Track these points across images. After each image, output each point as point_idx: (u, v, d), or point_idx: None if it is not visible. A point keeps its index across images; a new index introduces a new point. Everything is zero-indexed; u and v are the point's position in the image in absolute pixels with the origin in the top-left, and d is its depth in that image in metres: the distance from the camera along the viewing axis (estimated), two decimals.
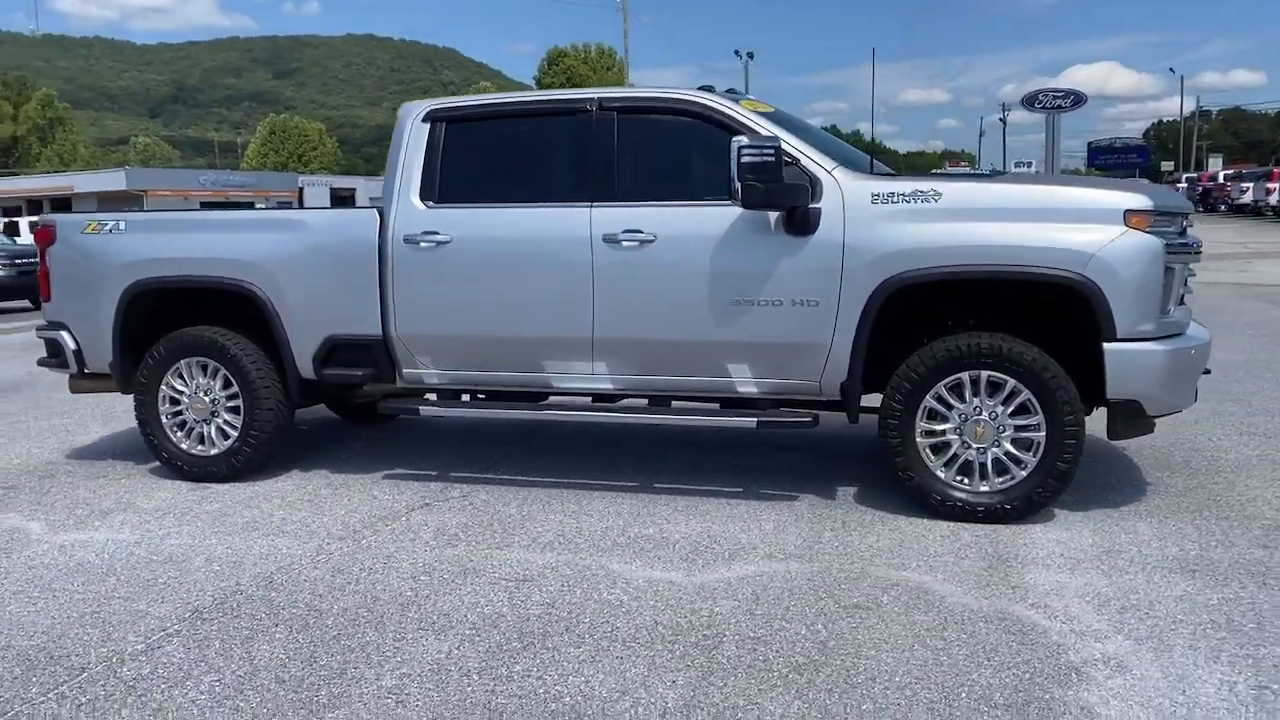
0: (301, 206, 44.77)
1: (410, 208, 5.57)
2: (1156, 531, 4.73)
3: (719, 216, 5.07)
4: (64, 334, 6.20)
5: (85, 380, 6.34)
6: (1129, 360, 4.70)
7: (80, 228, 6.12)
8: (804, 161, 5.07)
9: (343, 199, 64.83)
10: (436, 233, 5.49)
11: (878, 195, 4.94)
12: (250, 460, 5.90)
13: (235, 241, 5.84)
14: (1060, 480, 4.80)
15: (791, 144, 5.11)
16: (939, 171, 5.87)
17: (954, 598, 4.01)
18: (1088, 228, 4.70)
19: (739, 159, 4.73)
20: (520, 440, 6.87)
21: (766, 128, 5.15)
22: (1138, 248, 4.66)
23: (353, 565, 4.52)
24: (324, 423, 7.63)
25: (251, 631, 3.83)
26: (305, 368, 5.81)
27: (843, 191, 4.99)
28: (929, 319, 5.19)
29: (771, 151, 4.76)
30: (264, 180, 75.61)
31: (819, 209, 4.98)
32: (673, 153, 5.40)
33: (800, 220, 4.97)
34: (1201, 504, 5.13)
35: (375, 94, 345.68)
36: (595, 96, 5.45)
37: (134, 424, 6.18)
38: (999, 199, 4.90)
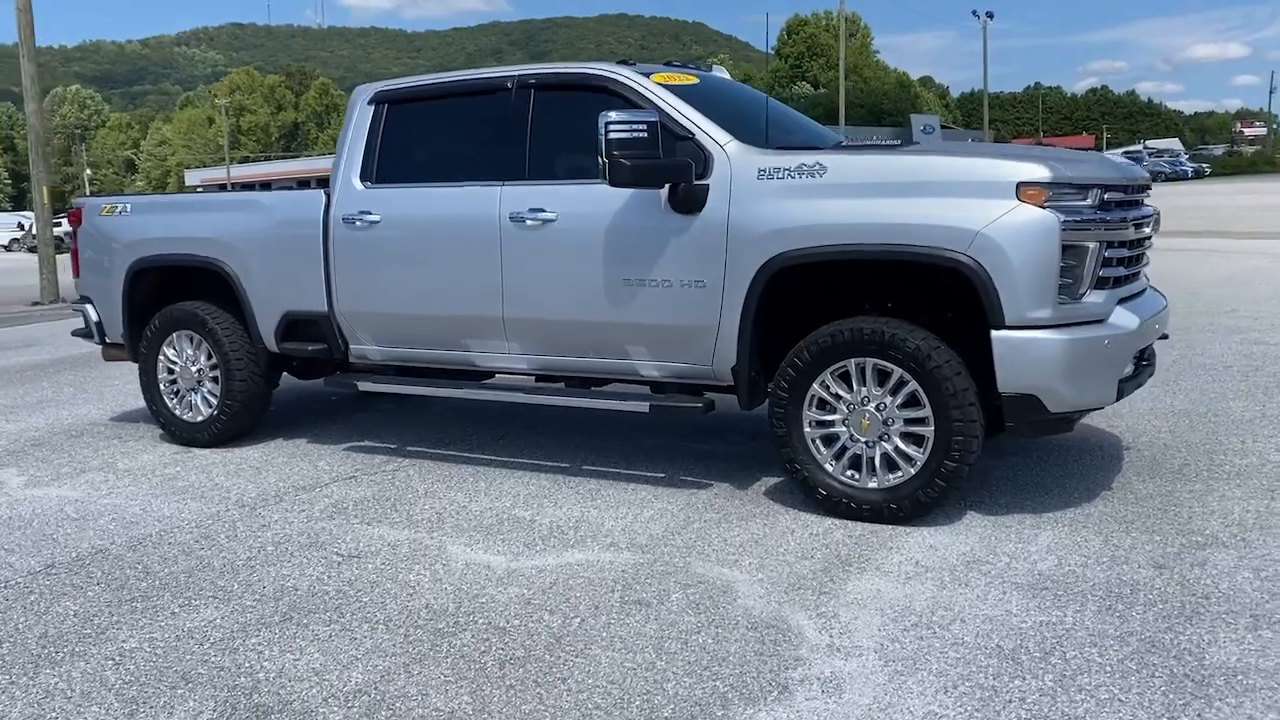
0: None
1: (350, 188, 5.74)
2: (1054, 542, 4.24)
3: (614, 195, 4.92)
4: (89, 307, 6.79)
5: (112, 349, 6.91)
6: (1020, 350, 4.22)
7: (99, 210, 6.67)
8: (699, 136, 4.85)
9: None
10: (370, 212, 5.63)
11: (764, 170, 4.66)
12: (227, 428, 6.28)
13: (210, 221, 6.21)
14: (948, 481, 4.38)
15: (688, 118, 4.89)
16: (852, 144, 5.46)
17: (746, 600, 3.77)
18: (975, 203, 4.25)
19: (605, 134, 4.56)
20: (510, 420, 6.92)
21: (666, 101, 4.96)
22: (1028, 224, 4.17)
23: (222, 532, 4.74)
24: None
25: (73, 588, 4.11)
26: (270, 341, 6.11)
27: (731, 167, 4.73)
28: (846, 301, 4.83)
29: (643, 127, 4.57)
30: None
31: (706, 185, 4.75)
32: (581, 130, 5.23)
33: (684, 197, 4.76)
34: (1143, 515, 4.54)
35: None
36: (515, 74, 5.42)
37: None
38: (885, 172, 4.50)
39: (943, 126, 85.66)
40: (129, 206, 6.58)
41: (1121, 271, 4.46)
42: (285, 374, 6.60)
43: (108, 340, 6.82)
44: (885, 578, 3.94)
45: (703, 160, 4.79)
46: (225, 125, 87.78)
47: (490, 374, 5.87)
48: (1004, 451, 5.59)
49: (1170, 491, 4.85)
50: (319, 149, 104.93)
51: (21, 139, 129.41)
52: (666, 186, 4.77)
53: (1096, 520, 4.49)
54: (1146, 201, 4.94)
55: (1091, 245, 4.28)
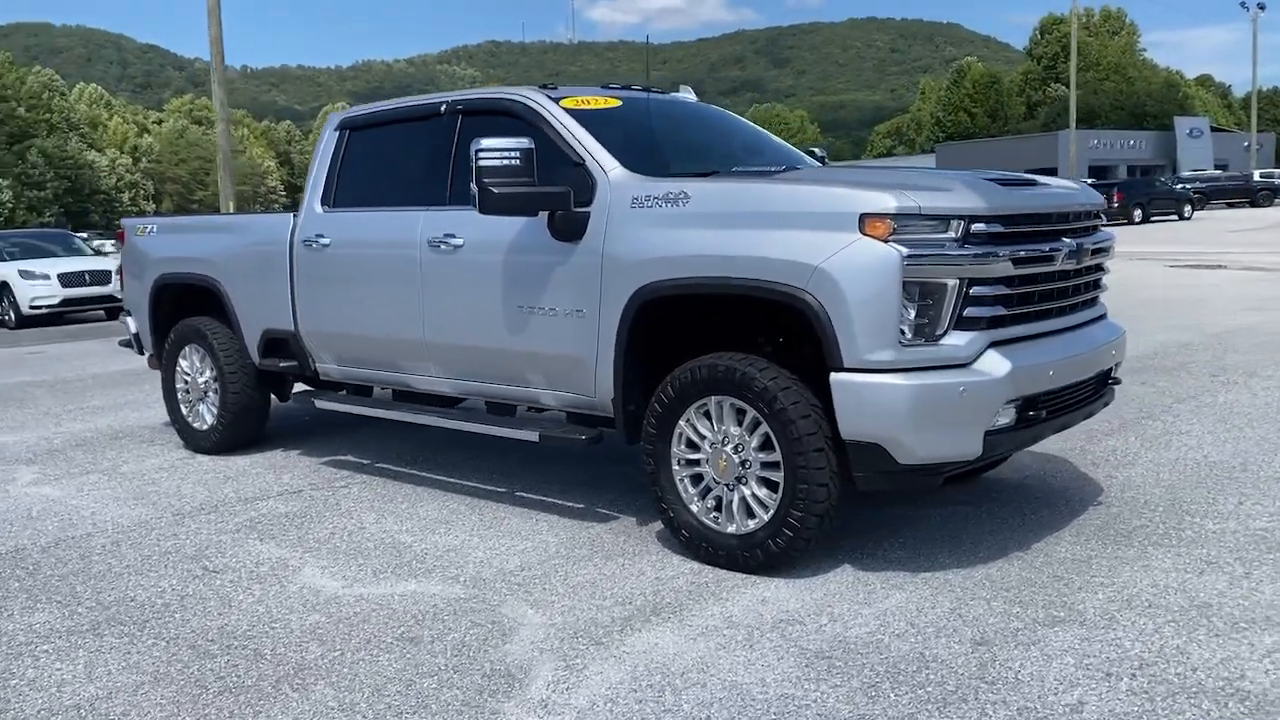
0: None
1: (312, 212, 5.97)
2: (895, 607, 3.88)
3: (511, 222, 4.88)
4: (129, 319, 7.36)
5: (154, 359, 7.45)
6: (859, 395, 3.89)
7: (136, 230, 7.23)
8: (588, 162, 4.75)
9: None
10: (323, 235, 5.84)
11: (637, 199, 4.51)
12: (225, 437, 6.65)
13: (209, 242, 6.61)
14: (795, 531, 4.08)
15: (581, 143, 4.80)
16: (738, 170, 5.15)
17: (516, 645, 3.66)
18: (819, 236, 3.95)
19: (476, 161, 4.54)
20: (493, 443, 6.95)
21: (564, 125, 4.89)
22: (867, 260, 3.83)
23: (131, 539, 5.04)
24: None
25: None
26: (255, 357, 6.43)
27: (611, 194, 4.61)
28: (740, 335, 4.59)
29: (516, 154, 4.52)
30: None
31: (587, 213, 4.64)
32: None
33: (562, 225, 4.68)
34: (1031, 582, 4.08)
35: (873, 77, 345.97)
36: (447, 100, 5.48)
37: None
38: (742, 202, 4.26)
39: (1214, 129, 79.26)
40: (155, 227, 7.09)
41: (1000, 311, 4.01)
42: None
43: (146, 351, 7.36)
44: (678, 632, 3.72)
45: (590, 187, 4.68)
46: None
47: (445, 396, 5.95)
48: (952, 499, 5.16)
49: (1090, 557, 4.33)
50: None
51: (299, 154, 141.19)
52: (546, 214, 4.69)
53: (973, 585, 4.07)
54: (1085, 230, 4.46)
55: (950, 283, 3.88)
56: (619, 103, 5.27)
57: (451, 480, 5.93)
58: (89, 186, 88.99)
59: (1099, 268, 4.73)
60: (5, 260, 17.68)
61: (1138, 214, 41.79)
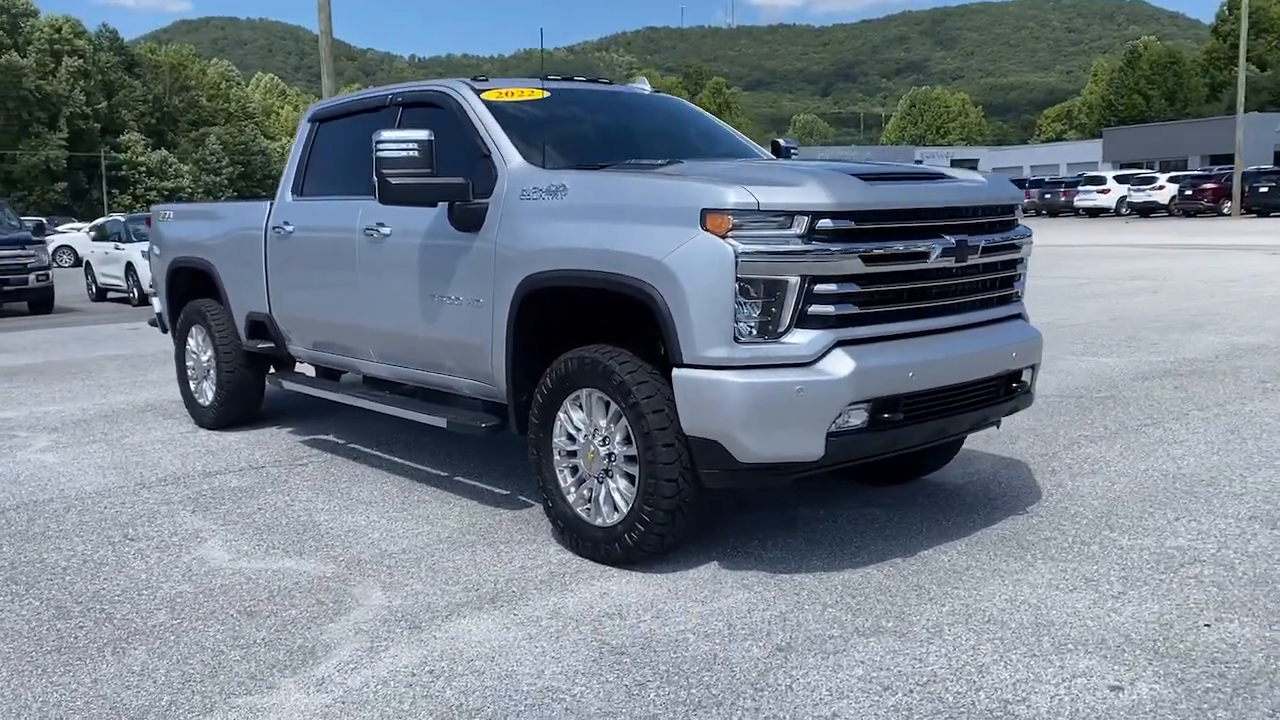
0: None
1: (283, 200, 6.24)
2: (727, 607, 3.83)
3: (425, 212, 5.00)
4: (155, 300, 7.83)
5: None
6: (696, 391, 3.85)
7: (159, 216, 7.67)
8: (494, 154, 4.82)
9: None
10: (288, 223, 6.09)
11: (525, 191, 4.56)
12: (221, 414, 7.01)
13: (207, 229, 6.97)
14: (646, 527, 4.07)
15: (491, 135, 4.87)
16: (635, 162, 5.06)
17: (335, 624, 3.78)
18: (666, 230, 3.93)
19: (376, 152, 4.66)
20: None
21: (478, 117, 4.97)
22: (703, 255, 3.79)
23: (80, 506, 5.39)
24: None
25: None
26: (243, 338, 6.76)
27: (506, 186, 4.67)
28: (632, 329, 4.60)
29: (414, 145, 4.63)
30: (881, 153, 77.89)
31: (485, 204, 4.72)
32: None
33: (460, 215, 4.77)
34: (887, 590, 3.97)
35: (1046, 58, 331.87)
36: (390, 92, 5.64)
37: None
38: (608, 196, 4.27)
39: None
40: (172, 214, 7.51)
41: (850, 309, 3.89)
42: None
43: (166, 330, 7.81)
44: (500, 620, 3.78)
45: (493, 178, 4.75)
46: None
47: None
48: (874, 501, 5.03)
49: (968, 568, 4.17)
50: None
51: None
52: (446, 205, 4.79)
53: (823, 589, 3.98)
54: (979, 227, 4.27)
55: (791, 280, 3.78)
56: (544, 94, 5.31)
57: (405, 463, 6.10)
58: (260, 172, 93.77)
59: (1007, 264, 4.51)
60: (134, 241, 18.89)
61: None
